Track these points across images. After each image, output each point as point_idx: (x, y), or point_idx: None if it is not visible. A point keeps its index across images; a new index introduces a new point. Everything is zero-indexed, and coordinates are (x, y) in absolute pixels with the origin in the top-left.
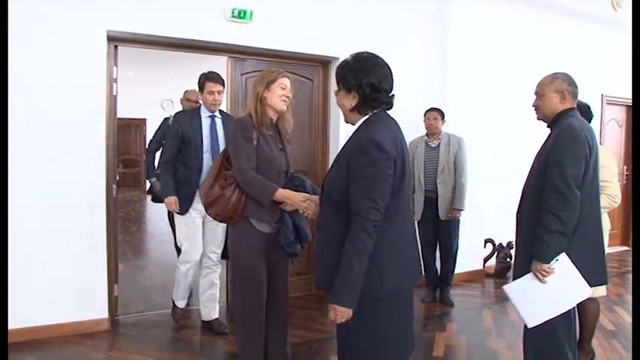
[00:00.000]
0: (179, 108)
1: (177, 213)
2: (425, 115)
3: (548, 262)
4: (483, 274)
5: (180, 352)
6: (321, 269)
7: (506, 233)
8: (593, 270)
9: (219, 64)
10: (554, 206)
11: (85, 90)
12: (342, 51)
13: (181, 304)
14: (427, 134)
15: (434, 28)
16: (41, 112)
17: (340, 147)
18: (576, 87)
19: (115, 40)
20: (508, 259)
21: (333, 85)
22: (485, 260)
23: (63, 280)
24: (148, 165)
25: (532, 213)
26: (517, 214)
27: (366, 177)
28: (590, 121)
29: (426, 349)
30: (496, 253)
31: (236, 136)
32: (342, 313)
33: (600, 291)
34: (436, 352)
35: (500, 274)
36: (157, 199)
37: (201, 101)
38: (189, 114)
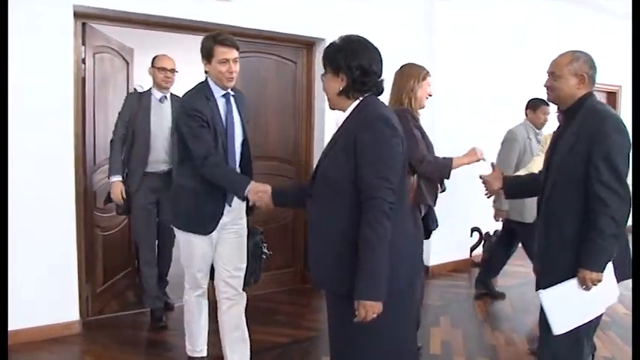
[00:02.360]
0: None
1: (199, 233)
2: (539, 107)
3: (603, 270)
4: (470, 264)
5: (160, 355)
6: (321, 266)
7: (493, 222)
8: (621, 265)
9: (197, 45)
10: (611, 207)
11: (51, 72)
12: (327, 32)
13: (201, 350)
14: (536, 126)
15: (422, 9)
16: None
17: (326, 134)
18: (596, 70)
19: (82, 16)
20: None
21: (318, 68)
22: (472, 249)
23: (28, 281)
24: (114, 156)
25: (567, 214)
26: (542, 211)
27: (378, 155)
28: None
29: (423, 345)
30: (483, 242)
31: (408, 127)
32: (372, 309)
33: None
34: (433, 348)
35: None
36: (123, 210)
37: (208, 75)
38: (199, 94)
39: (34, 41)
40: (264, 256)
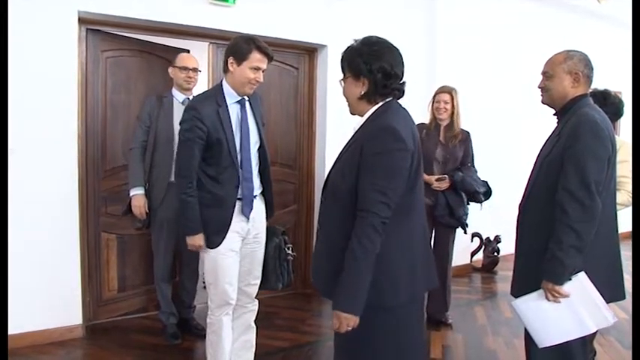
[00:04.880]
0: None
1: (207, 247)
2: None
3: (563, 284)
4: (471, 269)
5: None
6: (321, 275)
7: (494, 227)
8: (609, 285)
9: (198, 51)
10: (572, 217)
11: (55, 77)
12: (329, 39)
13: None
14: None
15: (423, 15)
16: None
17: (327, 139)
18: (592, 69)
19: (87, 22)
20: (495, 253)
21: (320, 75)
22: (473, 254)
23: (30, 284)
24: (134, 167)
25: (542, 220)
26: (518, 214)
27: (379, 168)
28: (618, 119)
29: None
30: (483, 247)
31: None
32: (346, 321)
33: None
34: (434, 353)
35: (488, 269)
36: (143, 225)
37: (225, 80)
38: (209, 100)
39: (38, 47)
40: (290, 258)
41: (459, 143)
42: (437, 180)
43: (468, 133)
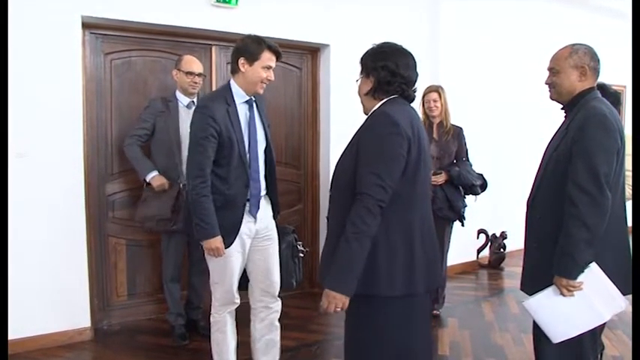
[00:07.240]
0: None
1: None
2: None
3: (576, 278)
4: (477, 265)
5: None
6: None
7: (500, 223)
8: (618, 278)
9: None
10: (581, 210)
11: (60, 82)
12: (332, 38)
13: None
14: None
15: (426, 15)
16: (11, 104)
17: (331, 139)
18: (599, 62)
19: (90, 26)
20: (501, 250)
21: (322, 74)
22: (479, 251)
23: (39, 287)
24: (137, 158)
25: (551, 214)
26: (527, 209)
27: (374, 152)
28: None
29: (435, 346)
30: (489, 244)
31: None
32: (335, 300)
33: None
34: (441, 349)
35: (494, 265)
36: (162, 223)
37: (233, 80)
38: (219, 99)
39: (43, 52)
40: (301, 255)
41: (452, 138)
42: (433, 175)
43: (461, 128)
